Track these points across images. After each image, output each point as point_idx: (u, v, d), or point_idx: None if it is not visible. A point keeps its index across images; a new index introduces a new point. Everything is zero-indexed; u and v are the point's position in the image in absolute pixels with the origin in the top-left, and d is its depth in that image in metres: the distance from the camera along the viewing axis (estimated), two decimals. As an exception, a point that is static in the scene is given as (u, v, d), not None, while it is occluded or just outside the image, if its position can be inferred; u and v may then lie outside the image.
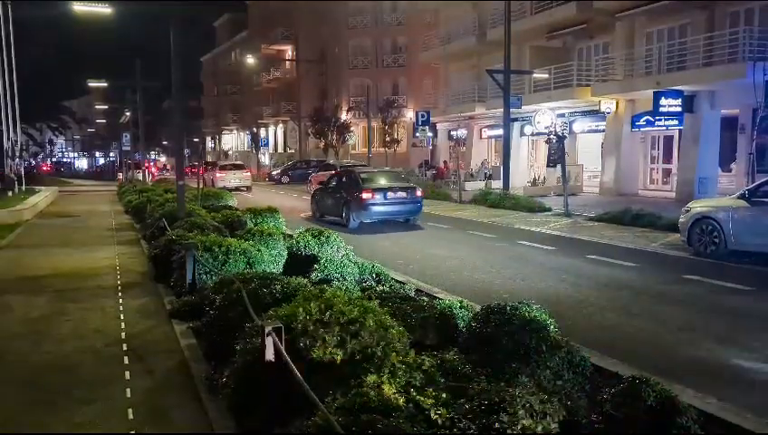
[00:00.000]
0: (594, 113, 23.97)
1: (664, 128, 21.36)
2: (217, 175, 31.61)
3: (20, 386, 4.73)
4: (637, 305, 7.35)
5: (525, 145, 29.19)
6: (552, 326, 4.65)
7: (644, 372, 4.32)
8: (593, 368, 4.61)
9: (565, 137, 18.11)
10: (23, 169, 30.11)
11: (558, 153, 17.61)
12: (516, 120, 26.21)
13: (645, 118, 21.28)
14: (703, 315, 6.91)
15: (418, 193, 15.55)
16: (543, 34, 26.40)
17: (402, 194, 15.19)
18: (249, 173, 33.58)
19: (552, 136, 18.14)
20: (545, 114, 22.12)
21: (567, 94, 23.83)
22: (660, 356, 5.55)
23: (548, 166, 21.27)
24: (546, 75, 24.72)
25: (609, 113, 23.01)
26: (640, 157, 23.48)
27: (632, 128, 22.30)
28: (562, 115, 25.05)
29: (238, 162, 38.42)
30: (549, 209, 17.71)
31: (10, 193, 25.24)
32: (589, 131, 25.55)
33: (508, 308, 4.60)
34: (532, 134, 26.62)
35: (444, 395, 3.41)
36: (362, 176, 15.79)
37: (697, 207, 10.76)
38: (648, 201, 19.16)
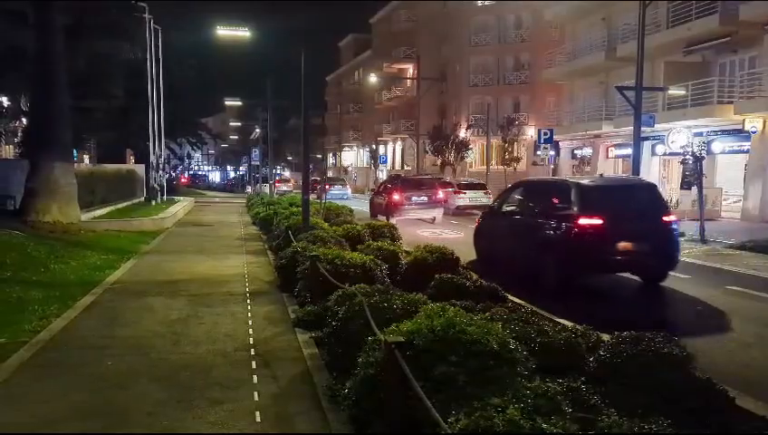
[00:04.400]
0: (737, 133, 22.15)
1: (820, 149, 19.31)
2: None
3: (161, 382, 5.08)
4: (788, 345, 6.62)
5: (656, 165, 27.52)
6: (691, 362, 4.31)
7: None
8: (738, 410, 4.20)
9: (703, 157, 16.83)
10: (165, 181, 32.81)
11: (694, 175, 16.41)
12: (647, 138, 24.75)
13: (797, 138, 19.36)
14: None
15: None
16: (680, 49, 24.83)
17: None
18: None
19: (687, 156, 16.96)
20: (680, 133, 20.73)
21: (706, 112, 22.23)
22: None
23: (682, 188, 19.85)
24: (683, 92, 23.22)
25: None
26: (791, 181, 21.34)
27: (782, 149, 20.36)
28: (700, 134, 23.36)
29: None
30: (682, 235, 16.47)
31: (153, 202, 27.58)
32: (730, 152, 23.64)
33: (644, 339, 4.31)
34: (665, 154, 25.02)
35: (571, 426, 3.24)
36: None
37: None
38: (800, 229, 17.33)
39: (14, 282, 9.11)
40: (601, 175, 12.55)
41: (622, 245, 9.26)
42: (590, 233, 9.06)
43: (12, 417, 4.40)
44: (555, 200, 10.20)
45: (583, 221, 9.12)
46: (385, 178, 24.07)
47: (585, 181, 10.47)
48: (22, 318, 7.12)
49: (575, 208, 9.39)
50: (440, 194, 22.36)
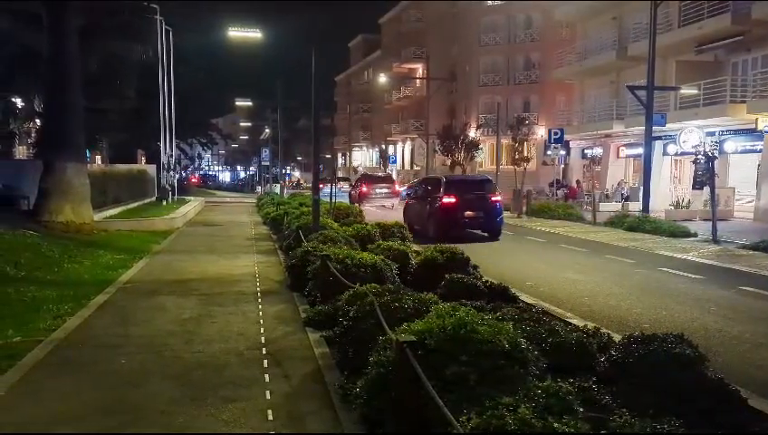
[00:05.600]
0: (750, 132, 21.99)
1: (834, 148, 19.12)
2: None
3: (174, 380, 5.13)
4: (802, 345, 6.57)
5: (668, 165, 27.38)
6: (703, 362, 4.29)
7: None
8: (750, 411, 4.19)
9: (715, 157, 16.74)
10: (175, 181, 32.98)
11: (706, 174, 16.32)
12: (659, 138, 24.67)
13: (811, 137, 19.19)
14: None
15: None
16: (691, 48, 24.70)
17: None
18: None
19: (699, 156, 16.87)
20: (692, 132, 20.65)
21: (718, 111, 22.08)
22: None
23: (694, 188, 19.78)
24: (695, 91, 23.09)
25: (767, 132, 21.00)
26: (804, 180, 21.16)
27: (795, 148, 20.18)
28: (712, 133, 23.24)
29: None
30: (694, 235, 16.43)
31: (164, 202, 27.74)
32: (742, 152, 23.47)
33: (655, 340, 4.31)
34: (677, 154, 24.91)
35: (583, 425, 3.25)
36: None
37: None
38: (814, 230, 17.16)
39: (29, 281, 9.22)
40: (463, 172, 20.42)
41: (467, 213, 16.04)
42: (448, 206, 15.95)
43: (27, 414, 4.46)
44: (433, 188, 17.11)
45: (445, 200, 15.99)
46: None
47: (449, 177, 18.72)
48: (36, 317, 7.20)
49: (441, 192, 16.21)
50: (396, 187, 31.11)
